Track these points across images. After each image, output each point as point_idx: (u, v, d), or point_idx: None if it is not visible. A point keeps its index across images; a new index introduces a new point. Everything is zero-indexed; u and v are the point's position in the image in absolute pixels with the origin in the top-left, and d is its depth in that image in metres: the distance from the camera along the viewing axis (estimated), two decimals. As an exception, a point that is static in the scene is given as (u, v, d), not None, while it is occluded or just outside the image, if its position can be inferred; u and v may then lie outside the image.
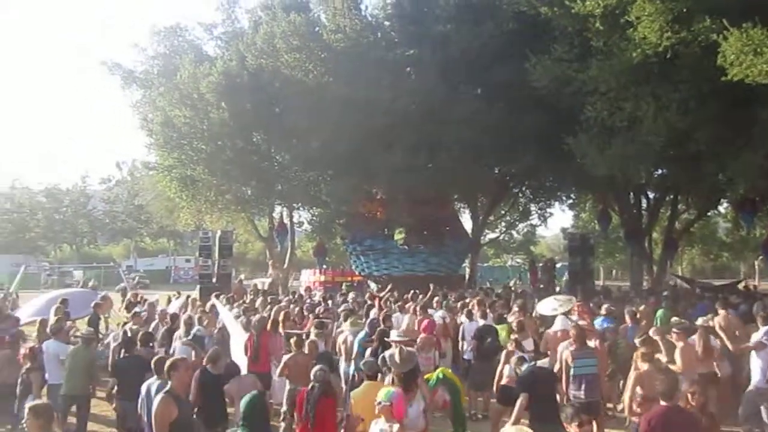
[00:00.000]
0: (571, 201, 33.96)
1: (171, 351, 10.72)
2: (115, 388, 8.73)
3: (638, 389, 7.57)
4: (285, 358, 9.21)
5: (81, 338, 9.93)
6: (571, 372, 8.33)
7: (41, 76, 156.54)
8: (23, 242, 65.62)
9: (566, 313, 11.21)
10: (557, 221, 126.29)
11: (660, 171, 22.99)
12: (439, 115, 21.73)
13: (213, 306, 14.16)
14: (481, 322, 12.19)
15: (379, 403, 5.90)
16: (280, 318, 11.48)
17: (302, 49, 22.46)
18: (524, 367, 7.56)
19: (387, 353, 7.23)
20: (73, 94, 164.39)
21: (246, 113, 22.81)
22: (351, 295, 19.10)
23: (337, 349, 11.10)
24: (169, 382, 5.94)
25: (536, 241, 54.68)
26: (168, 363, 6.05)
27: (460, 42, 21.91)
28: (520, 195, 32.54)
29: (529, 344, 10.34)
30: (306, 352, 9.27)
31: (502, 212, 35.12)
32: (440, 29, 22.98)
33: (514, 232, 44.82)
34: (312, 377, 6.73)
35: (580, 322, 9.86)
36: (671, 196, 28.48)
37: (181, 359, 6.29)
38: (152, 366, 6.80)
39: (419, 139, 21.47)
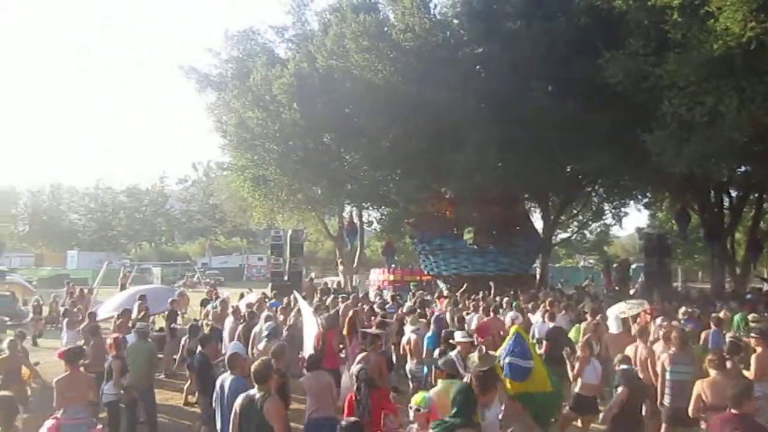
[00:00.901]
0: (646, 200, 32.89)
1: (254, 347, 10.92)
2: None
3: (706, 396, 7.17)
4: (359, 356, 9.28)
5: (136, 332, 10.21)
6: (667, 376, 8.03)
7: (124, 80, 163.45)
8: (106, 240, 68.76)
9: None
10: (632, 221, 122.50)
11: (743, 168, 21.97)
12: (509, 113, 21.43)
13: (290, 302, 14.38)
14: (551, 324, 11.95)
15: (417, 409, 5.81)
16: (350, 316, 11.60)
17: (371, 49, 22.58)
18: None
19: (455, 354, 7.15)
20: (153, 97, 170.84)
21: (317, 114, 23.14)
22: (418, 294, 19.09)
23: (401, 349, 11.11)
24: (257, 386, 5.92)
25: (610, 241, 53.21)
26: (260, 367, 6.01)
27: (530, 39, 21.53)
28: (593, 194, 31.72)
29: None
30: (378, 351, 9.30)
31: (574, 212, 34.32)
32: (510, 26, 22.68)
33: (586, 232, 43.73)
34: (355, 378, 6.72)
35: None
36: (755, 195, 27.17)
37: (271, 363, 6.34)
38: (226, 361, 6.98)
39: (489, 138, 21.22)
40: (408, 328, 11.14)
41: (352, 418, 5.90)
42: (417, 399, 5.83)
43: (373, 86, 22.51)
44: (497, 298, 15.35)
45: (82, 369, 8.33)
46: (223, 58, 28.99)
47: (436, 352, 9.06)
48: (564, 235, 39.06)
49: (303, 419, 7.57)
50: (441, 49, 22.75)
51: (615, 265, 30.33)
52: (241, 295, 19.59)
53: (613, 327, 11.01)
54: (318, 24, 28.01)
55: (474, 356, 6.72)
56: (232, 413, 5.92)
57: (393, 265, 32.71)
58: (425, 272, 28.22)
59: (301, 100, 22.93)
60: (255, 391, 5.81)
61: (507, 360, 8.17)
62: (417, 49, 22.44)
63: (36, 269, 49.38)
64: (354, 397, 6.61)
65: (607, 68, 17.65)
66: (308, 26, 28.79)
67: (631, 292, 23.58)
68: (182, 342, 11.96)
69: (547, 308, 13.00)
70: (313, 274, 38.24)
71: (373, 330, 11.03)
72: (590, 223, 38.80)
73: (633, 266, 33.66)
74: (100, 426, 7.83)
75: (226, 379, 6.71)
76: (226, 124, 26.47)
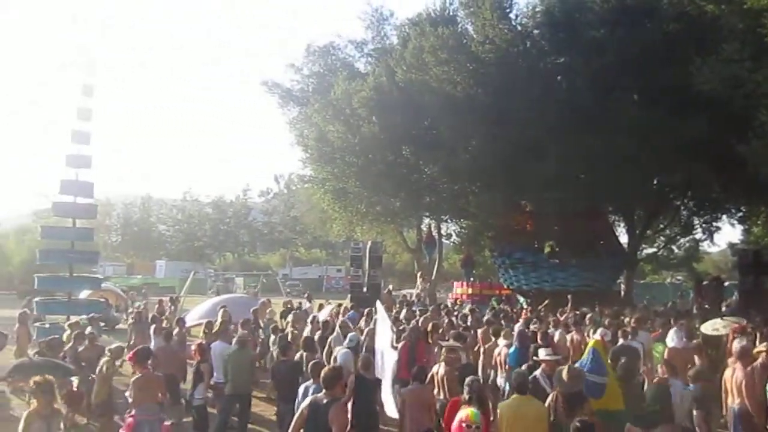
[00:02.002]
0: (741, 214, 31.14)
1: (330, 356, 11.03)
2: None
3: None
4: (434, 368, 9.18)
5: (236, 341, 10.48)
6: None
7: (211, 96, 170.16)
8: (192, 250, 71.32)
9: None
10: (724, 236, 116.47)
11: None
12: (592, 123, 20.85)
13: (370, 311, 14.44)
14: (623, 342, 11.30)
15: (470, 426, 5.66)
16: (429, 329, 11.53)
17: (450, 61, 22.54)
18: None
19: (539, 372, 6.93)
20: (238, 111, 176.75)
21: (396, 127, 23.28)
22: (498, 308, 18.76)
23: (493, 362, 10.92)
24: (325, 390, 5.96)
25: (700, 257, 50.60)
26: (330, 373, 6.07)
27: (614, 46, 20.93)
28: (682, 207, 30.30)
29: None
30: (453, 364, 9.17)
31: (661, 226, 32.92)
32: (593, 34, 22.13)
33: (674, 248, 41.83)
34: (467, 387, 6.61)
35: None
36: None
37: (341, 369, 6.38)
38: (309, 370, 7.05)
39: (571, 150, 20.70)
40: (501, 342, 10.92)
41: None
42: (472, 416, 5.72)
43: (452, 99, 22.45)
44: (576, 313, 14.84)
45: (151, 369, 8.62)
46: (304, 73, 29.67)
47: (523, 368, 8.84)
48: (650, 250, 37.52)
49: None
50: (521, 59, 22.46)
51: (706, 282, 28.80)
52: (320, 306, 19.83)
53: (673, 340, 10.49)
54: (397, 38, 28.28)
55: (563, 373, 6.48)
56: (297, 414, 6.00)
57: (471, 279, 32.36)
58: (505, 286, 27.75)
59: (381, 113, 23.15)
60: (323, 396, 5.87)
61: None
62: (496, 61, 22.24)
63: (127, 278, 51.70)
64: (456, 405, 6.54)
65: (698, 75, 16.93)
66: (387, 40, 29.13)
67: (723, 309, 22.32)
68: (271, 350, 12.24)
69: (633, 325, 12.43)
70: (390, 286, 38.33)
71: (449, 343, 10.91)
72: (679, 237, 37.08)
73: (726, 284, 31.88)
74: (169, 422, 8.10)
75: (309, 387, 6.79)
76: (308, 138, 27.03)
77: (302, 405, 6.02)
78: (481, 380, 10.22)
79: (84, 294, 21.02)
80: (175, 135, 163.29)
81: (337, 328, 12.54)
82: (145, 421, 7.57)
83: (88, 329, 12.94)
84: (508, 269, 26.45)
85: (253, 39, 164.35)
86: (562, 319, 13.67)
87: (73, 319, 15.51)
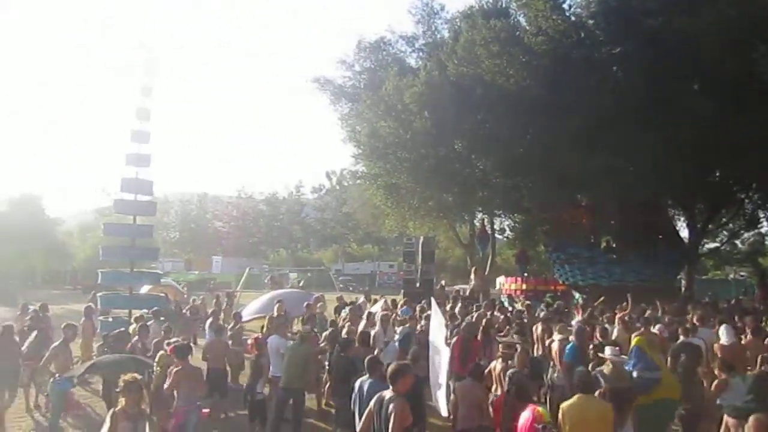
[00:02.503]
0: (809, 207, 29.83)
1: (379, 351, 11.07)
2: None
3: None
4: (493, 364, 9.11)
5: (298, 335, 10.62)
6: None
7: (262, 95, 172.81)
8: (247, 246, 72.54)
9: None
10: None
11: None
12: (649, 115, 20.28)
13: (423, 307, 14.43)
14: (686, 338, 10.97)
15: (545, 426, 5.55)
16: (483, 324, 11.43)
17: (503, 54, 22.28)
18: None
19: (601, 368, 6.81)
20: (289, 108, 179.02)
21: (448, 121, 23.15)
22: (557, 304, 18.47)
23: (551, 358, 10.77)
24: (391, 386, 5.95)
25: (766, 251, 48.76)
26: (395, 368, 6.05)
27: (672, 35, 20.28)
28: (747, 200, 29.24)
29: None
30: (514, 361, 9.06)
31: (724, 220, 31.83)
32: (650, 23, 21.48)
33: (738, 242, 40.37)
34: (507, 380, 6.54)
35: None
36: None
37: (406, 365, 6.37)
38: (365, 365, 7.07)
39: (628, 141, 20.18)
40: (556, 336, 10.75)
41: None
42: (543, 415, 5.63)
43: (504, 91, 22.21)
44: (646, 312, 14.44)
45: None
46: (356, 69, 29.77)
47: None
48: (712, 245, 36.32)
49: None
50: (575, 50, 22.01)
51: (772, 277, 27.73)
52: (374, 301, 19.91)
53: (725, 336, 10.12)
54: (448, 32, 28.13)
55: (610, 370, 6.35)
56: (366, 412, 6.00)
57: (526, 274, 31.97)
58: (560, 282, 27.33)
59: (433, 108, 23.07)
60: (388, 392, 5.86)
61: (634, 375, 8.00)
62: (550, 52, 21.87)
63: (185, 273, 52.94)
64: (503, 401, 6.51)
65: (762, 63, 16.25)
66: (438, 35, 28.98)
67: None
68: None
69: (694, 321, 12.05)
70: (443, 282, 38.18)
71: (506, 339, 10.82)
72: (742, 232, 35.78)
73: (793, 279, 30.55)
74: (207, 410, 8.33)
75: (365, 382, 6.81)
76: (360, 134, 27.16)
77: (371, 403, 6.03)
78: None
79: (144, 289, 21.66)
80: (230, 132, 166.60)
81: (378, 323, 12.53)
82: (187, 410, 8.00)
83: (151, 323, 13.32)
84: (564, 264, 26.02)
85: (302, 35, 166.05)
86: (620, 315, 13.32)
87: (137, 313, 16.01)
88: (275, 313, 13.92)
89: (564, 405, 6.57)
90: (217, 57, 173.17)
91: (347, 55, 29.68)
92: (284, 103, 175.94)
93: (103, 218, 45.10)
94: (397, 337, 10.87)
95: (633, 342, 8.76)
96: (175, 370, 8.42)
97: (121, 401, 6.22)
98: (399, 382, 5.83)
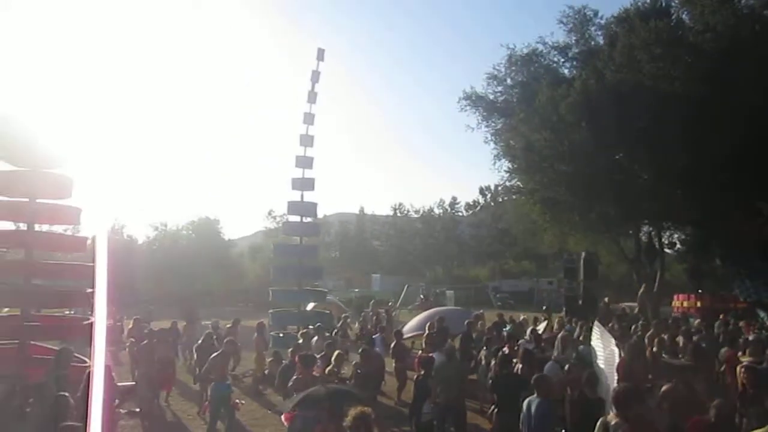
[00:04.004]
0: None
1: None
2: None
3: None
4: (663, 389, 8.50)
5: (443, 352, 10.54)
6: None
7: (412, 112, 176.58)
8: (404, 264, 73.87)
9: None
10: None
11: None
12: None
13: (584, 324, 13.91)
14: None
15: None
16: (654, 344, 10.75)
17: (665, 56, 21.05)
18: None
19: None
20: (441, 124, 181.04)
21: (607, 131, 22.20)
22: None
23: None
24: (616, 410, 5.75)
25: None
26: (624, 391, 5.87)
27: None
28: None
29: None
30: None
31: None
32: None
33: None
34: (713, 410, 6.01)
35: None
36: None
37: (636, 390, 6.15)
38: (534, 383, 6.92)
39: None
40: (745, 360, 9.86)
41: None
42: None
43: (669, 96, 20.90)
44: None
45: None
46: (507, 83, 29.44)
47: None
48: None
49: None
50: (750, 47, 20.23)
51: None
52: (535, 320, 19.41)
53: None
54: (603, 38, 27.02)
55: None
56: None
57: (699, 291, 29.64)
58: (741, 299, 25.03)
59: (590, 117, 22.24)
60: (612, 417, 5.60)
61: None
62: (720, 50, 20.30)
63: (346, 291, 54.85)
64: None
65: None
66: (593, 42, 27.91)
67: None
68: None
69: None
70: (606, 299, 36.39)
71: (679, 361, 10.06)
72: None
73: None
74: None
75: (533, 401, 6.67)
76: (514, 149, 26.76)
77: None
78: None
79: (309, 306, 22.75)
80: (383, 151, 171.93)
81: (559, 341, 12.14)
82: (301, 418, 8.02)
83: (315, 338, 13.94)
84: (744, 280, 23.84)
85: (452, 51, 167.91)
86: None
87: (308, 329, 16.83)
88: (426, 331, 14.02)
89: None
90: (369, 76, 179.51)
91: (498, 69, 29.43)
92: (436, 120, 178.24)
93: (271, 239, 47.96)
94: (573, 359, 10.44)
95: None
96: (294, 377, 8.88)
97: None
98: (630, 408, 5.57)
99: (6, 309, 13.72)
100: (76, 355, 8.38)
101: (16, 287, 10.76)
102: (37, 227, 10.86)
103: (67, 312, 14.71)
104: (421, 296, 39.09)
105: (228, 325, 17.44)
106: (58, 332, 11.13)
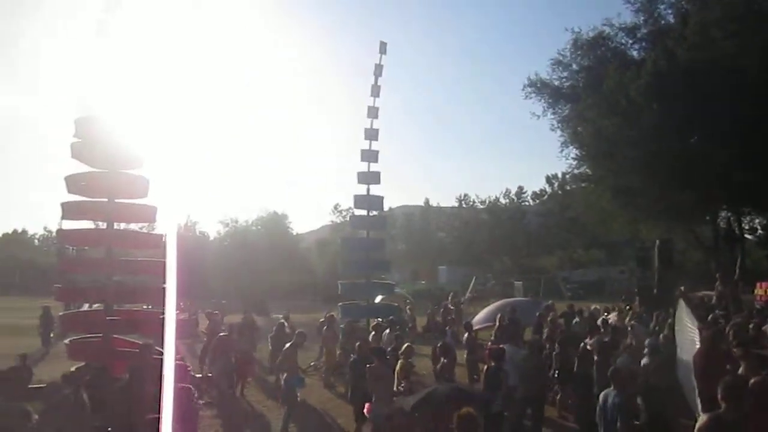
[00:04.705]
0: None
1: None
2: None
3: None
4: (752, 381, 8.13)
5: (528, 345, 10.44)
6: None
7: (476, 101, 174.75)
8: (470, 255, 73.31)
9: None
10: None
11: None
12: None
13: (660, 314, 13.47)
14: None
15: None
16: (730, 335, 10.27)
17: (742, 32, 20.05)
18: None
19: None
20: (502, 114, 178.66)
21: (680, 114, 21.38)
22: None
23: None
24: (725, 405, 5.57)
25: None
26: (730, 384, 5.71)
27: None
28: None
29: None
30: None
31: None
32: None
33: None
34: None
35: None
36: None
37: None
38: (610, 376, 6.76)
39: None
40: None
41: None
42: None
43: (746, 74, 19.95)
44: None
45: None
46: (573, 68, 28.77)
47: None
48: None
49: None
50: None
51: None
52: (606, 310, 18.93)
53: None
54: (674, 17, 26.08)
55: None
56: None
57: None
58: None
59: (662, 100, 21.49)
60: (723, 411, 5.38)
61: None
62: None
63: (413, 283, 54.88)
64: None
65: None
66: (662, 21, 26.96)
67: None
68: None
69: None
70: (682, 288, 35.09)
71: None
72: None
73: None
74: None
75: (609, 394, 6.52)
76: (582, 135, 26.15)
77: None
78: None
79: (377, 299, 22.85)
80: (447, 143, 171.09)
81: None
82: (376, 411, 8.24)
83: (386, 331, 13.99)
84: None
85: (512, 36, 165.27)
86: None
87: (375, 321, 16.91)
88: (497, 323, 13.87)
89: None
90: (430, 66, 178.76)
91: (563, 54, 28.76)
92: (499, 109, 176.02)
93: (337, 233, 48.47)
94: (646, 349, 10.16)
95: None
96: (370, 366, 8.98)
97: None
98: (737, 400, 5.35)
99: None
100: (157, 348, 8.68)
101: (99, 283, 11.28)
102: (115, 225, 11.33)
103: (145, 307, 15.25)
104: (468, 293, 37.50)
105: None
106: (137, 327, 11.55)
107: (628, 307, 19.57)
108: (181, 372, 7.28)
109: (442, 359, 10.40)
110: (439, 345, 11.60)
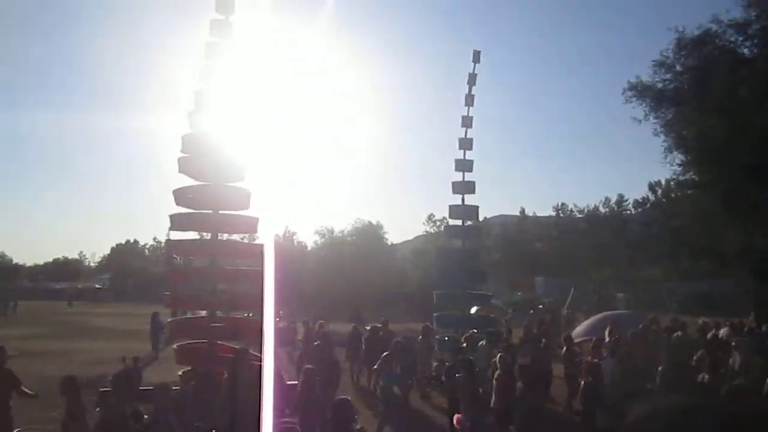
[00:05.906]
0: None
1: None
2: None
3: None
4: None
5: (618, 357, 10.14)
6: None
7: (570, 107, 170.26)
8: (568, 266, 71.38)
9: None
10: None
11: None
12: None
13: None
14: None
15: None
16: None
17: None
18: None
19: None
20: (599, 120, 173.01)
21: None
22: None
23: None
24: None
25: None
26: None
27: None
28: None
29: None
30: None
31: None
32: None
33: None
34: None
35: None
36: None
37: None
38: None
39: None
40: None
41: None
42: None
43: None
44: None
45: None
46: (677, 70, 27.44)
47: None
48: None
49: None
50: None
51: None
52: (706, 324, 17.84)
53: None
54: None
55: None
56: None
57: None
58: None
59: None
60: None
61: None
62: None
63: (509, 294, 54.02)
64: None
65: None
66: (774, 16, 25.25)
67: None
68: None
69: None
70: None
71: None
72: None
73: None
74: None
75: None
76: (687, 140, 24.91)
77: None
78: None
79: (472, 310, 22.62)
80: (543, 151, 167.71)
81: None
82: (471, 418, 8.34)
83: (481, 343, 13.84)
84: None
85: (610, 38, 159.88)
86: None
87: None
88: (606, 336, 13.38)
89: None
90: (525, 73, 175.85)
91: (666, 55, 27.49)
92: (597, 114, 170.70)
93: (431, 243, 48.43)
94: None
95: None
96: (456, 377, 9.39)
97: None
98: None
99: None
100: (254, 353, 8.98)
101: (204, 291, 11.83)
102: (219, 236, 11.87)
103: (246, 315, 15.84)
104: (566, 309, 34.92)
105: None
106: (240, 334, 11.99)
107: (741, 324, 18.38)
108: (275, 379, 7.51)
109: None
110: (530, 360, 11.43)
